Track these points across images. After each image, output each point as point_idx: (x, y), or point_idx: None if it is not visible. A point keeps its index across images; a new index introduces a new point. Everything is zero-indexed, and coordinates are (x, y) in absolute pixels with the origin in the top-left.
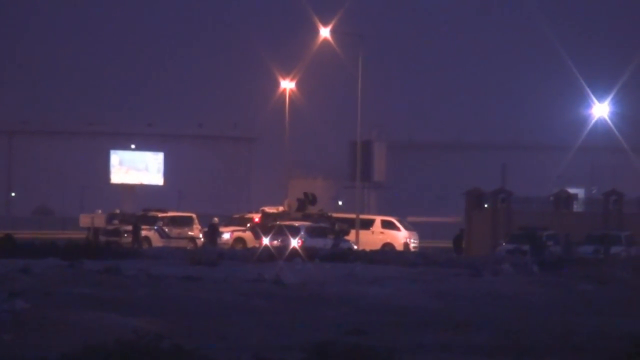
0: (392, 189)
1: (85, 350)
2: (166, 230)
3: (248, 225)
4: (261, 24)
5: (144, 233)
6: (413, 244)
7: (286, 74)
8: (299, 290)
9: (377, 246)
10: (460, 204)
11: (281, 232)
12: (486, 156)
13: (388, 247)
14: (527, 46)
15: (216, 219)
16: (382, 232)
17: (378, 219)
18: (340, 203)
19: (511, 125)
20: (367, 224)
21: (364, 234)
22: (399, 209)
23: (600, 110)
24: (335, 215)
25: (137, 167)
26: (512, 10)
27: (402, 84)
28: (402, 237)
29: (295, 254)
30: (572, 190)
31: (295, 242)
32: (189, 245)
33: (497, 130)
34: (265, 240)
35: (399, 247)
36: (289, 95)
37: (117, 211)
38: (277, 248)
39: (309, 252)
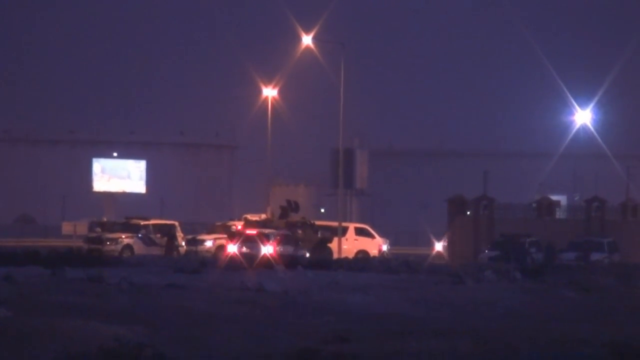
0: (374, 196)
1: (68, 358)
2: (152, 237)
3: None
4: (243, 31)
5: (125, 241)
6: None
7: (268, 81)
8: (281, 298)
9: (351, 254)
10: (443, 211)
11: (250, 240)
12: (468, 163)
13: (362, 255)
14: (508, 52)
15: (234, 227)
16: (356, 240)
17: (351, 226)
18: (322, 210)
19: (493, 132)
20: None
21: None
22: (381, 216)
23: (583, 117)
24: (318, 223)
25: (119, 175)
26: (492, 16)
27: (382, 91)
28: (376, 244)
29: (266, 262)
30: (554, 197)
31: (266, 250)
32: (172, 253)
33: (478, 137)
34: (233, 248)
35: (373, 254)
36: (271, 103)
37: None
38: (245, 256)
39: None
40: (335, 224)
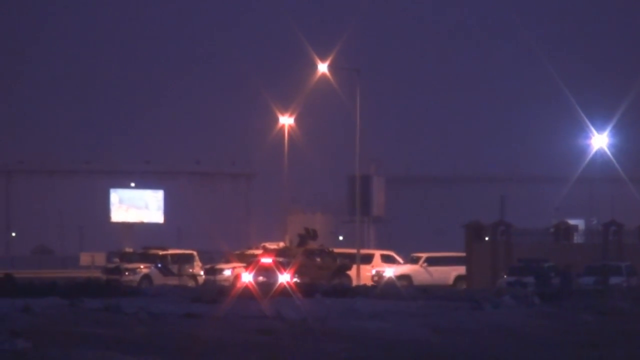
0: (391, 223)
1: None
2: (170, 268)
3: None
4: (259, 59)
5: (143, 271)
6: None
7: (284, 109)
8: (299, 326)
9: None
10: (459, 237)
11: (265, 269)
12: (484, 188)
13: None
14: (524, 77)
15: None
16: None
17: (377, 253)
18: (340, 238)
19: (509, 157)
20: (367, 259)
21: (364, 269)
22: (398, 243)
23: (599, 141)
24: (336, 250)
25: (137, 205)
26: (508, 41)
27: (398, 117)
28: None
29: (282, 291)
30: (571, 222)
31: (283, 278)
32: (190, 283)
33: (494, 162)
34: (248, 278)
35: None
36: (288, 131)
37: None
38: (261, 284)
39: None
40: (355, 251)
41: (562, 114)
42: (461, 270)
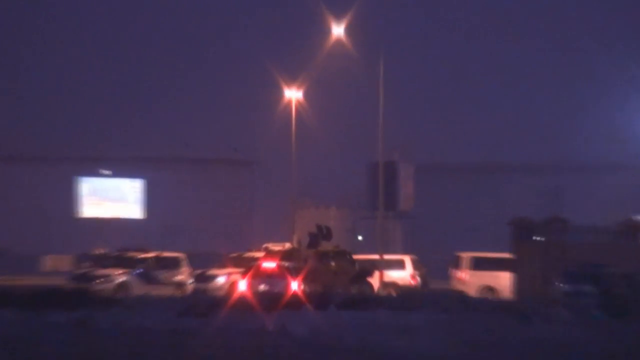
0: (417, 218)
1: None
2: (152, 274)
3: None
4: (262, 25)
5: (120, 278)
6: None
7: (292, 83)
8: (308, 343)
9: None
10: (499, 234)
11: (267, 275)
12: (528, 179)
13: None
14: (578, 45)
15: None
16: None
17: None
18: (360, 238)
19: (560, 142)
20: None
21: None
22: (426, 242)
23: None
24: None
25: (111, 198)
26: (559, 11)
27: (427, 96)
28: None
29: (288, 301)
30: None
31: (289, 287)
32: (177, 292)
33: (542, 148)
34: (242, 286)
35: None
36: (295, 110)
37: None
38: (262, 294)
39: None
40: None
41: (626, 88)
42: (388, 276)
